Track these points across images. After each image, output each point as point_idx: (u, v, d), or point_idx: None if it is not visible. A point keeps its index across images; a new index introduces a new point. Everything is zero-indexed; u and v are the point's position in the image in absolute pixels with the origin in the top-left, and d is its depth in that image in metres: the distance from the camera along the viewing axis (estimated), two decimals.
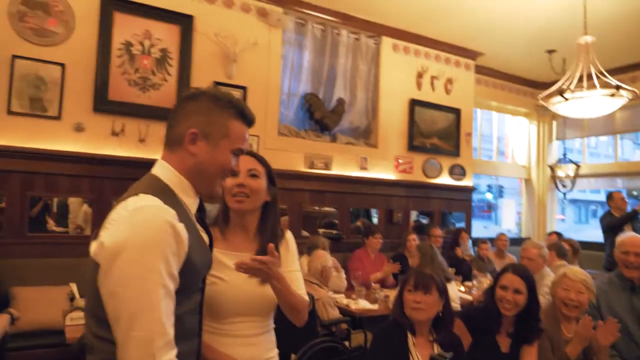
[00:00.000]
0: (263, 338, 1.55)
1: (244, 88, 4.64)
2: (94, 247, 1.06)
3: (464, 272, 4.97)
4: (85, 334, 1.12)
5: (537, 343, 2.26)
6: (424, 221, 6.02)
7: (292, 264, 1.61)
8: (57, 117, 3.89)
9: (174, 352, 1.03)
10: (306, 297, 1.58)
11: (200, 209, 1.24)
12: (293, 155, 4.95)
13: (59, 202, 4.01)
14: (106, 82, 4.07)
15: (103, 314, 1.03)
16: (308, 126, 5.25)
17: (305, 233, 5.00)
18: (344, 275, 4.34)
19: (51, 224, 3.96)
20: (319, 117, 5.19)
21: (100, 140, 4.07)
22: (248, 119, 1.24)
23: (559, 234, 5.86)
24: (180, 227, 1.06)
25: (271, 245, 1.41)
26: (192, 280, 1.12)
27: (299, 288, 1.58)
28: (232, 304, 1.49)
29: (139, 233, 1.01)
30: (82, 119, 4.01)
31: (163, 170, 1.17)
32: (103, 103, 4.09)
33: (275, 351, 1.60)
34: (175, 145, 1.17)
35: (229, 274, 1.50)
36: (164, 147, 1.21)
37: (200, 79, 4.45)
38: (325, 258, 3.74)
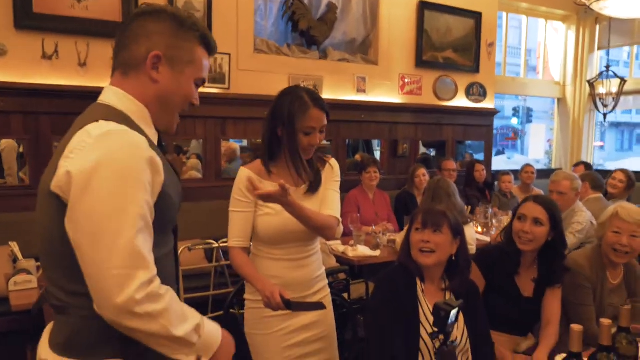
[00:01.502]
0: (311, 260, 2.05)
1: None
2: (55, 180, 1.07)
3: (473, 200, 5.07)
4: (47, 296, 1.16)
5: (561, 285, 2.30)
6: (432, 154, 6.05)
7: (330, 184, 2.06)
8: None
9: (157, 282, 1.07)
10: (335, 215, 2.01)
11: (159, 144, 1.26)
12: (274, 77, 4.79)
13: None
14: None
15: (76, 263, 1.05)
16: (291, 40, 5.10)
17: None
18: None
19: None
20: (304, 27, 5.01)
21: (29, 66, 3.81)
22: (211, 47, 1.28)
23: (587, 165, 5.59)
24: (155, 155, 1.10)
25: (282, 182, 1.78)
26: (168, 215, 1.17)
27: (329, 206, 2.02)
28: (282, 232, 1.95)
29: (113, 158, 1.04)
30: (1, 39, 3.72)
31: (118, 98, 1.18)
32: (27, 17, 3.77)
33: (322, 269, 2.13)
34: (131, 69, 1.19)
35: (279, 206, 1.86)
36: (113, 71, 1.22)
37: None
38: None
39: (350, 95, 5.22)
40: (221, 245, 3.83)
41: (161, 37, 1.18)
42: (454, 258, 2.01)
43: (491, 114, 6.22)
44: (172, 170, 1.24)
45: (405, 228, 3.55)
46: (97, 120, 1.09)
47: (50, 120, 3.84)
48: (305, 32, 5.01)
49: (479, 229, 4.45)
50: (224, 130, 4.56)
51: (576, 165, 5.83)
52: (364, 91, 5.31)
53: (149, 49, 1.17)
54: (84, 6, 3.92)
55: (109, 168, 1.02)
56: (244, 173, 1.98)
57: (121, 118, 1.13)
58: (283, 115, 1.93)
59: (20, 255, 3.04)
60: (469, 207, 4.73)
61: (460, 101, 5.97)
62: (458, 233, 2.01)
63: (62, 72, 3.88)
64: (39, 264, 2.92)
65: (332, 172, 2.08)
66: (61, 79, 3.86)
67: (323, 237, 2.05)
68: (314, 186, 2.03)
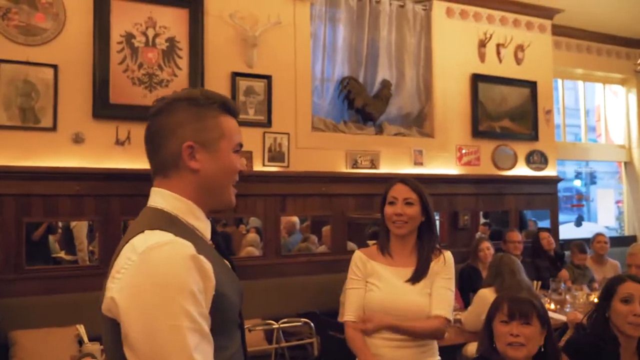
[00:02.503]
0: (415, 343, 2.12)
1: (268, 77, 4.66)
2: (105, 305, 1.06)
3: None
4: None
5: None
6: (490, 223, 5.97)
7: (443, 281, 2.18)
8: (52, 128, 3.94)
9: None
10: (444, 315, 2.14)
11: (213, 232, 1.26)
12: (332, 154, 4.93)
13: (62, 226, 4.10)
14: (106, 82, 4.09)
15: None
16: (348, 117, 5.25)
17: (351, 245, 4.97)
18: None
19: (58, 251, 4.03)
20: (360, 105, 5.15)
21: (104, 152, 4.10)
22: (234, 110, 1.28)
23: None
24: (203, 259, 1.06)
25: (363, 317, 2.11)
26: (228, 316, 1.15)
27: (439, 305, 2.14)
28: (383, 309, 2.12)
29: (155, 275, 1.02)
30: (80, 127, 4.04)
31: (164, 199, 1.18)
32: (104, 107, 4.11)
33: (432, 352, 2.20)
34: (169, 169, 1.19)
35: (383, 283, 2.16)
36: (153, 176, 1.23)
37: (216, 70, 4.48)
38: None
39: (408, 169, 5.26)
40: (281, 325, 3.87)
41: (186, 127, 1.18)
42: (542, 349, 1.93)
43: (554, 181, 6.17)
44: (226, 267, 1.22)
45: (471, 307, 3.30)
46: (142, 232, 1.09)
47: (120, 202, 4.07)
48: (361, 109, 5.14)
49: (552, 306, 4.25)
50: (284, 207, 4.71)
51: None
52: (421, 164, 5.36)
53: (180, 142, 1.17)
54: (156, 95, 4.18)
55: (154, 287, 1.01)
56: (357, 254, 2.31)
57: (168, 220, 1.13)
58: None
59: (86, 339, 2.99)
60: (539, 282, 4.63)
61: (521, 170, 5.95)
62: (545, 322, 1.94)
63: (134, 156, 4.10)
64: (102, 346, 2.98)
65: (444, 267, 2.21)
66: (132, 163, 4.09)
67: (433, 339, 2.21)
68: (418, 272, 2.18)
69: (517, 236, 5.16)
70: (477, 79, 5.71)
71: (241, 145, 1.27)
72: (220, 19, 4.51)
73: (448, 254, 2.25)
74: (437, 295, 2.15)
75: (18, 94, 3.84)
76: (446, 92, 5.58)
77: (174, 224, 1.13)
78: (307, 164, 4.76)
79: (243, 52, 4.57)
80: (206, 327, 1.05)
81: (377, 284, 2.18)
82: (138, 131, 4.16)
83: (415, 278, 2.18)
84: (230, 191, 1.25)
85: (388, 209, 2.23)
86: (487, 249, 4.84)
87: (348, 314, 2.22)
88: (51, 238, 4.11)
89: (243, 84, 4.57)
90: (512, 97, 5.90)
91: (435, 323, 2.12)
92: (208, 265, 1.07)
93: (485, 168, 5.76)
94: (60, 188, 3.92)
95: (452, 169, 5.57)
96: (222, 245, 1.29)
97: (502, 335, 1.92)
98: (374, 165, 5.10)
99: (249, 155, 4.49)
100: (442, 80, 5.56)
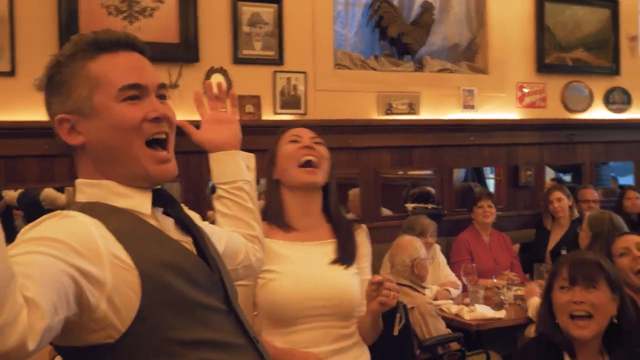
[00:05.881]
0: (350, 355, 1.76)
1: (277, 1, 4.48)
2: None
3: None
4: None
5: None
6: (567, 178, 6.05)
7: (367, 269, 1.91)
8: (10, 73, 3.80)
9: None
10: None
11: (167, 200, 1.26)
12: (360, 97, 4.83)
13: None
14: (74, 13, 3.93)
15: None
16: (380, 51, 5.15)
17: (386, 211, 5.00)
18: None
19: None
20: (395, 34, 5.01)
21: None
22: (114, 42, 1.19)
23: None
24: (99, 234, 1.06)
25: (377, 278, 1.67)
26: (177, 296, 1.12)
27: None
28: (296, 302, 1.70)
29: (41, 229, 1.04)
30: (45, 59, 3.85)
31: (80, 191, 1.20)
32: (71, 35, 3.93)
33: None
34: (70, 153, 1.21)
35: (286, 265, 1.73)
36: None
37: None
38: (414, 246, 3.72)
39: (456, 114, 5.19)
40: None
41: (52, 100, 1.19)
42: (615, 320, 1.91)
43: None
44: (178, 247, 1.20)
45: (536, 282, 3.42)
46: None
47: None
48: (396, 39, 5.03)
49: None
50: None
51: None
52: (473, 107, 5.24)
53: (52, 120, 1.17)
54: (137, 27, 4.07)
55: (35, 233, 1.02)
56: None
57: (89, 207, 1.14)
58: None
59: None
60: None
61: (598, 112, 5.84)
62: (617, 287, 1.93)
63: None
64: None
65: (368, 247, 1.96)
66: None
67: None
68: (345, 247, 1.85)
69: (592, 194, 5.14)
70: None
71: (136, 86, 1.16)
72: None
73: (365, 228, 1.99)
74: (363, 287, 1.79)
75: None
76: (504, 17, 5.44)
77: (94, 209, 1.13)
78: (329, 110, 4.63)
79: None
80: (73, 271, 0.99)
81: (275, 269, 1.74)
82: None
83: (345, 258, 1.82)
84: (140, 154, 1.16)
85: (289, 148, 1.86)
86: (558, 200, 4.77)
87: None
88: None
89: (247, 10, 4.36)
90: (587, 22, 5.77)
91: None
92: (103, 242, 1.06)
93: (553, 111, 5.64)
94: (24, 147, 3.83)
95: (511, 114, 5.47)
96: (184, 219, 1.27)
97: (563, 304, 1.90)
98: (413, 110, 4.99)
99: (255, 101, 4.37)
100: (500, 1, 5.41)
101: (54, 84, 1.18)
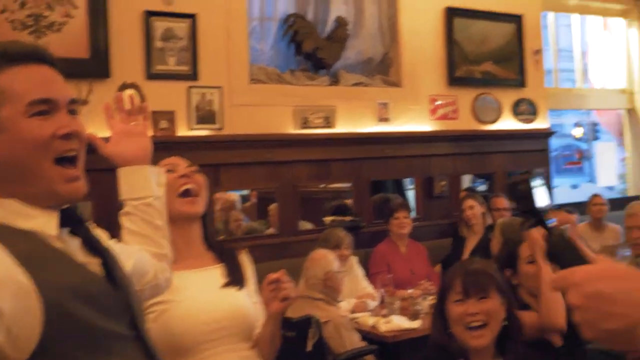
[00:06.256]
0: None
1: (191, 16, 4.49)
2: None
3: None
4: None
5: None
6: (482, 188, 6.09)
7: (254, 291, 1.87)
8: None
9: None
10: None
11: (75, 220, 1.21)
12: (276, 111, 4.86)
13: None
14: None
15: None
16: (296, 65, 5.19)
17: (306, 225, 4.98)
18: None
19: None
20: (309, 49, 5.08)
21: None
22: (17, 55, 1.14)
23: None
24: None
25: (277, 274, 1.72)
26: (86, 326, 1.09)
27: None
28: (195, 328, 1.68)
29: None
30: None
31: None
32: None
33: None
34: None
35: (178, 293, 1.67)
36: None
37: (124, 8, 4.29)
38: (327, 260, 3.71)
39: (371, 127, 5.25)
40: None
41: None
42: (505, 323, 1.95)
43: (546, 135, 6.24)
44: (83, 271, 1.15)
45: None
46: None
47: None
48: (311, 54, 5.07)
49: None
50: (218, 180, 4.48)
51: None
52: (387, 120, 5.32)
53: None
54: (45, 42, 3.95)
55: None
56: None
57: None
58: None
59: None
60: None
61: (507, 123, 5.99)
62: (505, 292, 1.98)
63: None
64: None
65: (251, 269, 1.96)
66: None
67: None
68: (233, 271, 1.87)
69: (503, 202, 5.15)
70: (452, 14, 5.66)
71: (46, 101, 1.12)
72: None
73: (247, 252, 2.00)
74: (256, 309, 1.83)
75: None
76: (415, 31, 5.54)
77: None
78: (245, 125, 4.64)
79: None
80: None
81: (169, 298, 1.66)
82: None
83: (236, 280, 1.82)
84: (49, 172, 1.12)
85: (169, 176, 1.75)
86: (470, 208, 4.83)
87: None
88: None
89: (160, 25, 4.37)
90: (494, 35, 5.91)
91: None
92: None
93: (465, 122, 5.77)
94: None
95: (424, 125, 5.56)
96: (92, 240, 1.24)
97: (458, 316, 1.91)
98: (329, 123, 5.04)
99: (170, 117, 4.31)
100: (410, 16, 5.52)
101: None
